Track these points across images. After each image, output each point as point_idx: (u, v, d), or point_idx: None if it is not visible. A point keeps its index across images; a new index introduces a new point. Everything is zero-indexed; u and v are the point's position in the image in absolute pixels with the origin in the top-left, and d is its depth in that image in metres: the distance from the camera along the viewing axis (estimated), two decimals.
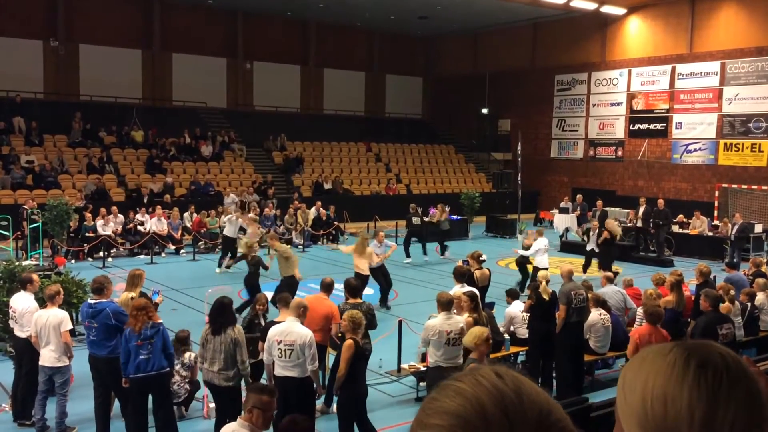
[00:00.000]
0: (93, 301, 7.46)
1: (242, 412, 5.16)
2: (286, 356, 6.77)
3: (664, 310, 9.37)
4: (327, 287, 8.76)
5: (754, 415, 0.98)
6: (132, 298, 7.89)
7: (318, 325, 7.92)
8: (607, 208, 23.81)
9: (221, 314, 7.09)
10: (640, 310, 10.22)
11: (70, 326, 7.68)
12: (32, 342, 7.65)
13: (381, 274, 13.84)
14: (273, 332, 6.89)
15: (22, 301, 7.94)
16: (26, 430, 7.86)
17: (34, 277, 8.37)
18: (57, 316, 7.51)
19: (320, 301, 8.43)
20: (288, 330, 6.83)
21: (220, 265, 17.58)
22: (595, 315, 9.52)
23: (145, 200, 22.20)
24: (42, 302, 8.12)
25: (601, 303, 9.77)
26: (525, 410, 0.94)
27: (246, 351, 7.09)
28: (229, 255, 17.41)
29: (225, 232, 18.00)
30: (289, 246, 12.72)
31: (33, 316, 7.67)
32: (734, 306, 10.25)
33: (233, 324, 7.07)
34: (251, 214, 19.88)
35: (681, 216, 21.82)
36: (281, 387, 6.85)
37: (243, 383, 7.07)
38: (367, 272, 13.09)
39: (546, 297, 9.18)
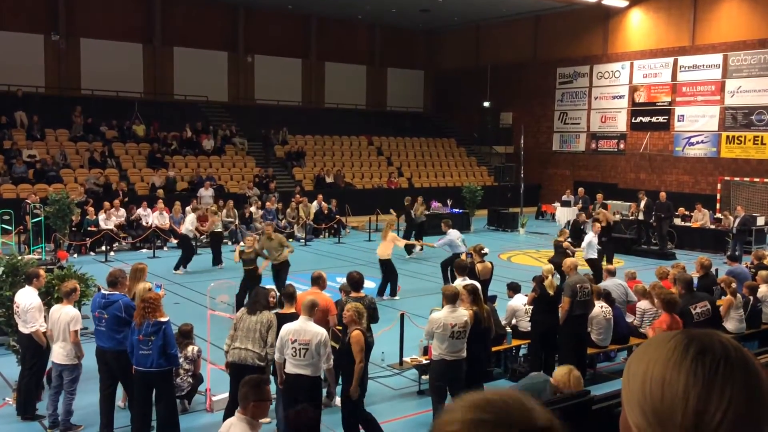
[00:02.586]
0: (106, 293, 7.51)
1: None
2: (300, 355, 6.77)
3: None
4: (316, 281, 8.80)
5: (751, 404, 0.99)
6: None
7: (318, 320, 7.93)
8: (609, 201, 23.83)
9: (259, 299, 7.51)
10: (640, 305, 10.25)
11: (80, 326, 7.66)
12: (47, 335, 7.68)
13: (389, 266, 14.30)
14: (286, 331, 6.88)
15: (25, 297, 7.93)
16: (30, 423, 7.89)
17: (41, 272, 8.33)
18: (69, 314, 7.52)
19: (315, 296, 8.44)
20: (302, 329, 6.82)
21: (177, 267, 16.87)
22: (597, 308, 9.53)
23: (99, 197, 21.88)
24: (44, 297, 8.13)
25: (604, 295, 9.78)
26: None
27: (275, 336, 7.23)
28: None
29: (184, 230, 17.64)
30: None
31: (51, 309, 7.70)
32: (736, 299, 10.26)
33: (269, 309, 7.48)
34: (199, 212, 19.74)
35: (682, 209, 21.79)
36: (291, 384, 6.87)
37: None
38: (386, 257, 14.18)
39: (551, 292, 9.19)
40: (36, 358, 7.92)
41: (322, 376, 7.29)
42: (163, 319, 6.96)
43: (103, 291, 7.68)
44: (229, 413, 7.25)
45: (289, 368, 6.85)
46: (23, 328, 7.89)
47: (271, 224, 13.70)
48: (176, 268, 16.80)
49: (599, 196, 22.42)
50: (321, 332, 6.84)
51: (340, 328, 8.28)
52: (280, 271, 13.09)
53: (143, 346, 6.86)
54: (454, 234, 14.66)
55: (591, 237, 14.65)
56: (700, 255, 14.75)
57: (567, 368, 6.37)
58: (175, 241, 20.30)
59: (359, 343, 6.90)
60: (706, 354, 1.02)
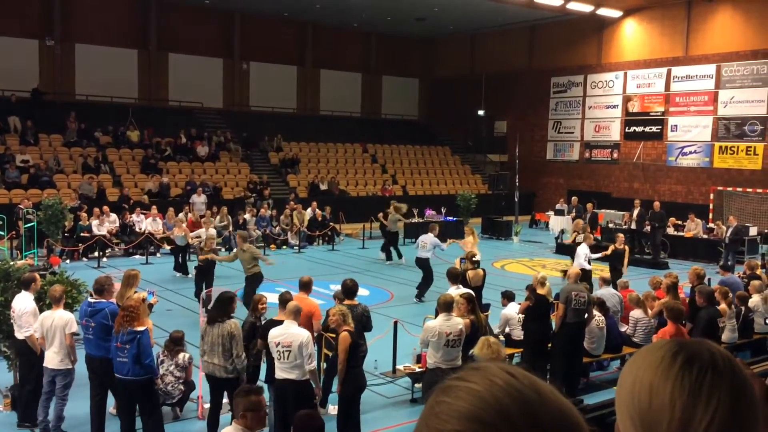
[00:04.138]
0: (93, 300, 7.46)
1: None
2: (285, 358, 6.82)
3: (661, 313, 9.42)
4: (305, 286, 8.81)
5: (736, 413, 0.99)
6: (144, 300, 7.82)
7: (303, 324, 7.93)
8: (603, 210, 23.89)
9: (218, 307, 7.37)
10: (633, 314, 10.26)
11: (75, 328, 7.58)
12: (38, 342, 7.61)
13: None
14: (271, 336, 6.96)
15: (21, 302, 7.86)
16: (22, 431, 7.84)
17: (37, 277, 8.27)
18: (63, 317, 7.46)
19: (301, 301, 8.45)
20: (285, 332, 6.88)
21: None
22: None
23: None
24: (38, 302, 8.08)
25: (598, 304, 9.79)
26: (547, 410, 0.90)
27: (242, 344, 7.27)
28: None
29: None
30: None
31: (40, 316, 7.62)
32: (730, 309, 10.29)
33: (230, 317, 7.31)
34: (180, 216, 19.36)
35: (673, 219, 21.83)
36: (280, 389, 6.88)
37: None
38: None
39: (550, 298, 9.23)
40: (30, 363, 7.84)
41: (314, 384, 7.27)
42: (139, 329, 6.81)
43: (89, 299, 7.63)
44: (211, 420, 7.28)
45: (278, 373, 6.92)
46: (18, 334, 7.83)
47: (242, 234, 13.23)
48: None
49: (589, 205, 22.50)
50: (303, 333, 6.88)
51: (333, 336, 8.27)
52: (252, 283, 12.16)
53: (120, 354, 6.83)
54: (426, 237, 14.73)
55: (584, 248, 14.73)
56: (692, 265, 14.81)
57: (480, 343, 6.08)
58: (168, 248, 20.22)
59: (344, 343, 6.95)
60: (694, 362, 1.03)
